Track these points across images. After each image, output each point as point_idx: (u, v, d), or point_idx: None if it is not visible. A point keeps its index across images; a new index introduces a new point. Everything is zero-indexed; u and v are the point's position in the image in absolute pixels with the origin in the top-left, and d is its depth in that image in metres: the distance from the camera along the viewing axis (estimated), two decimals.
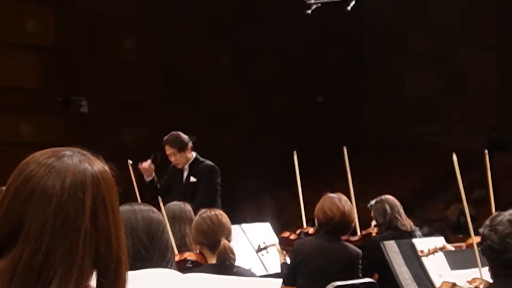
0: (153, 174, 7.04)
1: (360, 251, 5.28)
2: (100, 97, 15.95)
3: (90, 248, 1.35)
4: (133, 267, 2.55)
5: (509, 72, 21.11)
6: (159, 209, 4.57)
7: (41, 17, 15.17)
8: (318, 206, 5.23)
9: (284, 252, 5.66)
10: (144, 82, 16.94)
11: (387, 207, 6.01)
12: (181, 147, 6.92)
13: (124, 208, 2.72)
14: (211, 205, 6.69)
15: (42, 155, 1.41)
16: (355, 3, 10.93)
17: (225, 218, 4.15)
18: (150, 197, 6.30)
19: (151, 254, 2.60)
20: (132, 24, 17.11)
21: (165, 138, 7.00)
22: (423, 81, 22.16)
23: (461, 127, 21.32)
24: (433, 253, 4.94)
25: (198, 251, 4.31)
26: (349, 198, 6.28)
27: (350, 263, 5.19)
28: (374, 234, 5.94)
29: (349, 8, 11.00)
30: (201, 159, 7.03)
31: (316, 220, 5.29)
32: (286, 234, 6.05)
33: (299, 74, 21.26)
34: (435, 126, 21.72)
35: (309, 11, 11.30)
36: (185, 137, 6.96)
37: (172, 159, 6.98)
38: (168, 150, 6.94)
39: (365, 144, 22.34)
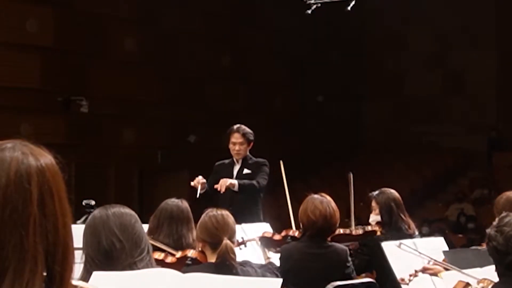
0: (205, 186, 6.87)
1: (346, 248, 5.24)
2: (100, 97, 15.93)
3: (42, 235, 1.38)
4: (108, 257, 2.80)
5: (509, 72, 21.09)
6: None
7: (41, 17, 15.16)
8: (301, 209, 5.20)
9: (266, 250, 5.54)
10: (144, 82, 16.92)
11: (393, 205, 5.96)
12: (251, 140, 7.10)
13: (96, 211, 3.00)
14: (259, 192, 6.90)
15: None
16: (355, 3, 10.93)
17: (231, 219, 4.15)
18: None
19: (124, 244, 2.82)
20: (132, 24, 17.09)
21: (236, 126, 7.10)
22: (423, 81, 22.14)
23: (461, 127, 21.30)
24: (414, 276, 4.84)
25: (200, 249, 4.33)
26: (349, 216, 6.38)
27: (337, 264, 5.13)
28: (378, 233, 5.91)
29: (349, 8, 11.00)
30: (251, 156, 7.20)
31: (300, 223, 5.27)
32: (269, 234, 5.81)
33: (298, 74, 21.25)
34: (435, 126, 21.69)
35: (309, 11, 11.30)
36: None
37: (236, 147, 7.05)
38: (239, 139, 7.04)
39: (365, 144, 22.32)
